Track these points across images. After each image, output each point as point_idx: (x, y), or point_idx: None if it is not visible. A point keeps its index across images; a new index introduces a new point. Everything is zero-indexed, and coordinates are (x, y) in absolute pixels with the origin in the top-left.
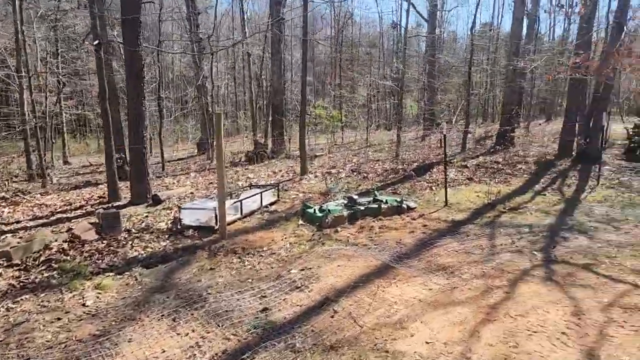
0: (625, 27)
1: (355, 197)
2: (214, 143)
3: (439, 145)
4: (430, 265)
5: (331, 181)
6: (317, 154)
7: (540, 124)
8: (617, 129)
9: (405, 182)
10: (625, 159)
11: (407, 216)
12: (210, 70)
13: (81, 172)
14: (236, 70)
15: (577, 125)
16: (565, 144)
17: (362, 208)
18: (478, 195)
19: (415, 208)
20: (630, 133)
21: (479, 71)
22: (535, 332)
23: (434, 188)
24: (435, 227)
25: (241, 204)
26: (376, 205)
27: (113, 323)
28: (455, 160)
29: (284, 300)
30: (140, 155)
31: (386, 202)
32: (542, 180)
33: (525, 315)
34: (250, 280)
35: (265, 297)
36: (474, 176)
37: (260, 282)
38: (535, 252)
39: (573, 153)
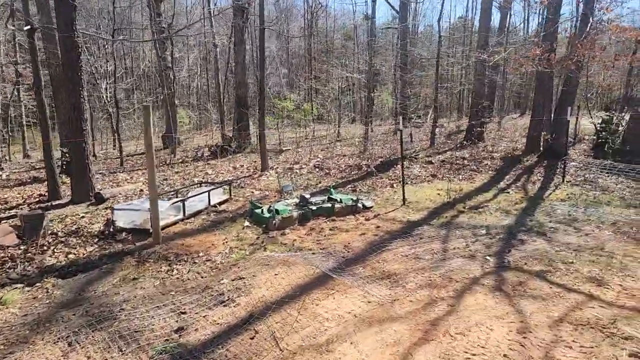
0: (590, 19)
1: (308, 196)
2: (175, 136)
3: (409, 139)
4: (375, 272)
5: (290, 178)
6: (284, 148)
7: (514, 119)
8: (587, 124)
9: (367, 179)
10: (593, 155)
11: (362, 216)
12: (171, 59)
13: (37, 167)
14: (208, 61)
15: (545, 120)
16: (532, 139)
17: (314, 208)
18: (439, 194)
19: (371, 207)
20: (598, 128)
21: (454, 64)
22: (474, 354)
23: (395, 185)
24: (388, 228)
25: (183, 203)
26: (330, 205)
27: (1, 347)
28: (420, 156)
29: (204, 317)
30: (80, 150)
31: (341, 202)
32: (507, 177)
33: (466, 334)
34: (173, 293)
35: (184, 313)
36: (438, 173)
37: (185, 294)
38: (488, 257)
39: (541, 149)
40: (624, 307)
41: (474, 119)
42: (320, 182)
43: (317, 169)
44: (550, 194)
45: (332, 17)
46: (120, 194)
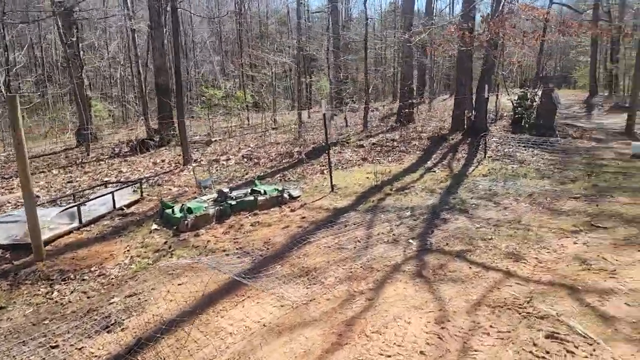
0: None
1: (227, 190)
2: (88, 132)
3: (344, 124)
4: (294, 270)
5: (214, 171)
6: (214, 139)
7: (444, 99)
8: (506, 101)
9: (298, 167)
10: (512, 130)
11: (288, 207)
12: (78, 45)
13: None
14: (129, 49)
15: (467, 98)
16: (457, 118)
17: (234, 203)
18: (368, 177)
19: (298, 197)
20: (515, 105)
21: (386, 48)
22: (389, 356)
23: (325, 172)
24: (314, 218)
25: (79, 209)
26: (252, 198)
27: None
28: (352, 140)
29: (80, 349)
30: None
31: (265, 193)
32: (433, 156)
33: (383, 332)
34: (47, 322)
35: (56, 347)
36: (368, 156)
37: (62, 321)
38: (411, 241)
39: (465, 127)
40: (540, 282)
41: (403, 100)
42: (247, 174)
43: (245, 159)
44: (473, 170)
45: (265, 1)
46: (9, 202)
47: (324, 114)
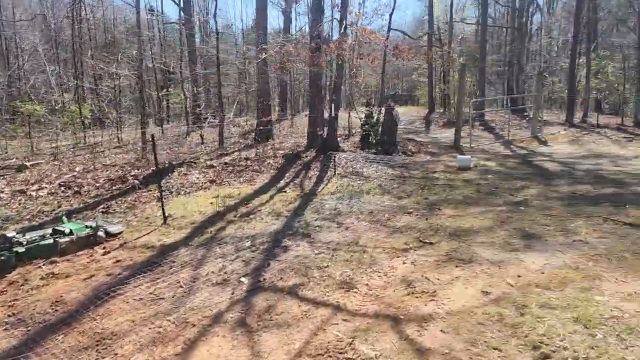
0: (344, 21)
1: (13, 233)
2: None
3: (200, 141)
4: (82, 339)
5: (18, 205)
6: (32, 162)
7: (307, 115)
8: (357, 119)
9: (130, 195)
10: (361, 147)
11: (102, 249)
12: None
13: None
14: None
15: (320, 116)
16: (312, 135)
17: (23, 250)
18: (212, 202)
19: (119, 234)
20: (362, 122)
21: (249, 63)
22: None
23: (163, 198)
24: (132, 261)
25: None
26: (51, 241)
27: None
28: (201, 160)
29: None
30: None
31: (71, 233)
32: (287, 174)
33: None
34: None
35: None
36: (218, 177)
37: None
38: (243, 279)
39: (318, 144)
40: (366, 314)
41: (260, 117)
42: (60, 207)
43: (63, 188)
44: (323, 188)
45: (112, 8)
46: None
47: (152, 135)
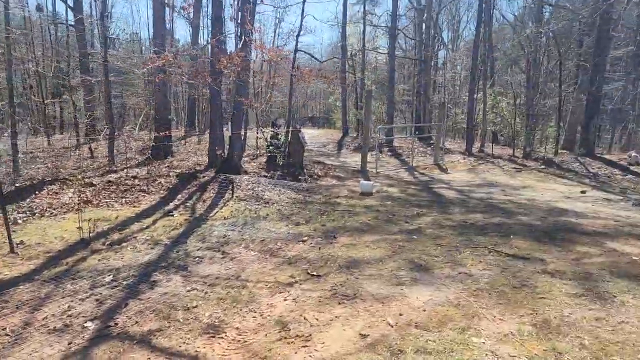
0: (243, 36)
1: None
2: None
3: (89, 155)
4: None
5: None
6: None
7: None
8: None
9: None
10: (266, 168)
11: None
12: None
13: None
14: None
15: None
16: (212, 153)
17: None
18: (80, 227)
19: None
20: (268, 143)
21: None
22: None
23: (19, 222)
24: None
25: None
26: None
27: None
28: (78, 177)
29: None
30: None
31: None
32: (179, 196)
33: None
34: None
35: None
36: (96, 198)
37: None
38: (89, 323)
39: (218, 164)
40: None
41: (158, 132)
42: None
43: None
44: (217, 212)
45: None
46: None
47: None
